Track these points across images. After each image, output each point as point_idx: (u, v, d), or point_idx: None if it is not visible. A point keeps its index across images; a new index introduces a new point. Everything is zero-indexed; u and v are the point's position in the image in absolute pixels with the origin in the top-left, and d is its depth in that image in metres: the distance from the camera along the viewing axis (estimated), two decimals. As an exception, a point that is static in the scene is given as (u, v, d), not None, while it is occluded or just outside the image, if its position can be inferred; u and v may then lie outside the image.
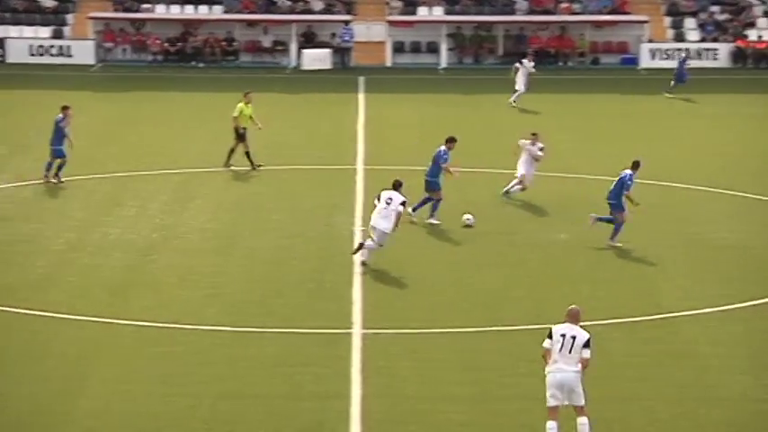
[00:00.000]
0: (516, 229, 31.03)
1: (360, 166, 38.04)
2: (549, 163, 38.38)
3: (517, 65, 51.20)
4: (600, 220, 29.54)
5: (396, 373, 21.37)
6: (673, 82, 52.51)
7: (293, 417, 19.51)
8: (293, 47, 63.15)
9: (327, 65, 61.67)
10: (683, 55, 55.33)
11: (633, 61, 62.96)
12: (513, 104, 49.66)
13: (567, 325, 18.19)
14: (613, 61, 63.79)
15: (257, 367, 21.69)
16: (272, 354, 22.37)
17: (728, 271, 27.55)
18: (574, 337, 18.00)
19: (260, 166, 37.31)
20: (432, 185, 31.33)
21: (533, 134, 33.86)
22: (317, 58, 61.74)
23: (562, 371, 17.90)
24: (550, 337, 18.13)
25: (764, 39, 63.15)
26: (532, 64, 51.40)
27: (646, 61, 62.53)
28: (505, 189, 33.61)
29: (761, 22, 64.42)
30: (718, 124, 46.04)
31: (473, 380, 21.10)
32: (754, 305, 24.92)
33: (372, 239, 27.36)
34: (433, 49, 64.06)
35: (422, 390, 20.66)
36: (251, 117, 37.55)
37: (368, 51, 63.19)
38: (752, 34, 63.61)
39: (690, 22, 64.65)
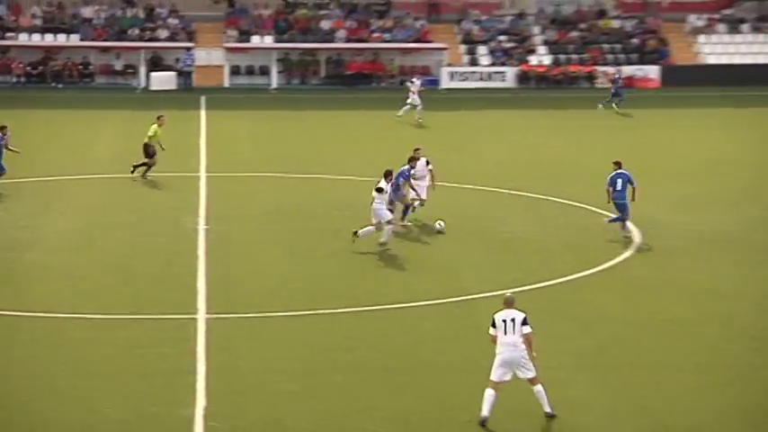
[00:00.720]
0: (340, 226, 30.98)
1: (203, 174, 37.68)
2: (370, 168, 38.54)
3: (408, 83, 51.28)
4: (613, 221, 29.55)
5: (236, 352, 21.19)
6: (609, 99, 53.14)
7: (145, 391, 19.18)
8: (142, 70, 62.42)
9: (173, 86, 61.13)
10: (617, 75, 55.26)
11: (435, 82, 63.42)
12: (400, 117, 49.42)
13: (505, 311, 18.11)
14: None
15: (112, 349, 21.27)
16: (124, 337, 21.98)
17: (517, 259, 27.88)
18: (513, 320, 17.95)
19: (134, 173, 36.83)
20: (398, 196, 30.43)
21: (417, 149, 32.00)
22: (163, 80, 61.25)
23: (510, 351, 17.83)
24: (494, 325, 18.05)
25: (544, 63, 64.34)
26: (419, 82, 51.27)
27: (445, 82, 63.13)
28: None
29: (540, 49, 65.64)
30: (507, 135, 46.57)
31: (303, 356, 21.00)
32: (538, 287, 25.24)
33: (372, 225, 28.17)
34: (264, 71, 63.80)
35: (259, 365, 20.50)
36: (156, 138, 37.14)
37: (208, 74, 62.74)
38: (533, 59, 64.78)
39: (482, 49, 65.49)
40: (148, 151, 36.90)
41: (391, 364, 20.60)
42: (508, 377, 17.90)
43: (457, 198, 34.26)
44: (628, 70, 63.08)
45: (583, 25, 67.11)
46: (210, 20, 65.80)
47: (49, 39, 63.43)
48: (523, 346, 17.88)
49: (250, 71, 64.15)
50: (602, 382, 19.71)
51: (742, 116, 52.34)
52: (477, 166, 38.48)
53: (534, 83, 63.34)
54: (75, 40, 63.41)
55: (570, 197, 33.78)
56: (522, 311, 18.13)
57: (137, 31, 64.05)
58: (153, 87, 60.86)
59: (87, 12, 64.87)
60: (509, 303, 18.27)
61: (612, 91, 53.34)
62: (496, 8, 68.49)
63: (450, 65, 64.06)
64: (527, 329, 18.01)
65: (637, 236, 29.43)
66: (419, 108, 49.07)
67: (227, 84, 62.37)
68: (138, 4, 66.16)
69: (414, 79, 51.51)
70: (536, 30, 67.07)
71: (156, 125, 37.49)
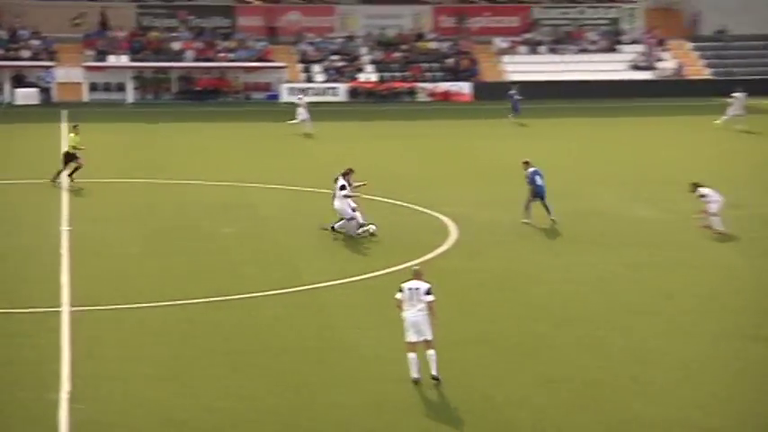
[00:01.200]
0: (196, 224, 30.69)
1: (65, 179, 36.73)
2: (218, 174, 38.26)
3: (296, 99, 50.97)
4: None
5: (99, 341, 20.76)
6: (511, 114, 53.28)
7: (13, 379, 18.70)
8: (7, 87, 60.86)
9: (36, 101, 59.84)
10: (512, 91, 54.92)
11: (276, 97, 63.36)
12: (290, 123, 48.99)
13: (412, 281, 18.71)
14: (261, 97, 64.04)
15: (-18, 341, 20.68)
16: (-7, 329, 21.39)
17: (349, 253, 27.98)
18: (418, 288, 18.54)
19: (57, 181, 36.06)
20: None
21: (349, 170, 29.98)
22: (26, 96, 59.98)
23: (413, 315, 18.41)
24: (401, 291, 18.63)
25: (371, 80, 64.76)
26: (306, 100, 50.69)
27: (285, 97, 63.00)
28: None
29: (368, 67, 66.08)
30: (339, 143, 46.72)
31: (161, 342, 20.72)
32: (369, 277, 25.39)
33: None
34: (121, 87, 62.79)
35: (120, 352, 20.13)
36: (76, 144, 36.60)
37: (69, 90, 61.52)
38: (362, 77, 65.17)
39: (317, 68, 65.61)
40: (71, 158, 36.29)
41: (241, 347, 20.47)
42: (415, 338, 18.40)
43: (294, 198, 34.26)
44: (443, 86, 64.09)
45: (404, 46, 67.79)
46: (70, 41, 64.36)
47: None
48: (425, 312, 18.47)
49: (107, 87, 63.08)
50: (420, 358, 19.93)
51: (542, 125, 53.53)
52: (313, 170, 38.40)
53: (363, 97, 63.72)
54: (-58, 59, 61.54)
55: (394, 197, 34.07)
56: (427, 282, 18.75)
57: (1, 51, 62.38)
58: (17, 102, 59.58)
59: (-46, 33, 63.02)
60: (417, 275, 18.90)
61: (511, 105, 53.78)
62: (328, 31, 68.68)
63: (288, 81, 63.97)
64: (430, 298, 18.58)
65: (453, 231, 29.83)
66: (308, 120, 48.69)
67: (86, 99, 61.13)
68: (3, 25, 64.40)
69: (300, 96, 51.20)
70: (364, 50, 67.49)
71: (72, 134, 37.10)
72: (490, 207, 32.94)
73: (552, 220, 30.20)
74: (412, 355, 18.40)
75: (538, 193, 30.27)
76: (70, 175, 36.34)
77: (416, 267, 19.50)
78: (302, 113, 49.09)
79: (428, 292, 18.64)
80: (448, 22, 69.92)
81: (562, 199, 34.21)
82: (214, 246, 28.49)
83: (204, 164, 41.09)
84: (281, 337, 21.08)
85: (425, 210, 32.00)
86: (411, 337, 18.44)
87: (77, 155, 36.55)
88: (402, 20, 69.51)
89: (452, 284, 24.76)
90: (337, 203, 28.87)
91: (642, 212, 32.70)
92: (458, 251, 28.07)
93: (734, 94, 50.96)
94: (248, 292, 23.98)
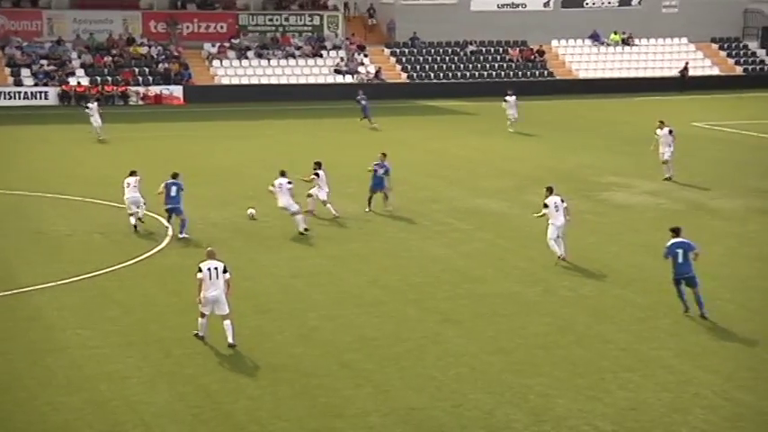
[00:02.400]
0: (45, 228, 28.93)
1: None
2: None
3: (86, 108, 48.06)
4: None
5: None
6: (365, 118, 51.91)
7: None
8: None
9: None
10: (360, 96, 53.25)
11: (-16, 101, 60.39)
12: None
13: (209, 261, 20.03)
14: (-33, 101, 60.85)
15: None
16: None
17: (66, 254, 27.16)
18: (216, 268, 19.88)
19: None
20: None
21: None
22: None
23: (213, 291, 19.75)
24: (200, 271, 19.88)
25: (82, 84, 62.86)
26: (97, 104, 48.44)
27: (-7, 101, 60.20)
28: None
29: (79, 72, 64.11)
30: (46, 146, 45.09)
31: None
32: (86, 278, 24.76)
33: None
34: None
35: None
36: None
37: None
38: (73, 80, 63.17)
39: (25, 72, 63.05)
40: None
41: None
42: (208, 310, 19.81)
43: (7, 202, 32.87)
44: (156, 90, 63.11)
45: (115, 51, 66.22)
46: None
47: None
48: (223, 288, 19.80)
49: None
50: (143, 355, 19.61)
51: (253, 127, 53.64)
52: (22, 173, 36.88)
53: (75, 101, 61.75)
54: None
55: (105, 198, 33.31)
56: (222, 261, 20.18)
57: None
58: None
59: None
60: (211, 255, 20.28)
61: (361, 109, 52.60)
62: (36, 35, 66.08)
63: (-2, 85, 61.13)
64: (227, 275, 19.95)
65: (170, 230, 29.46)
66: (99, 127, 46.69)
67: None
68: None
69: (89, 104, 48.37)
70: (74, 55, 65.41)
71: None
72: (206, 207, 32.72)
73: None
74: (202, 320, 19.99)
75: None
76: None
77: (210, 248, 20.74)
78: (97, 119, 46.91)
79: (225, 270, 19.98)
80: (159, 27, 68.84)
81: (268, 198, 34.54)
82: None
83: None
84: (-3, 342, 20.20)
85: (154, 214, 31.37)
86: (207, 310, 19.86)
87: None
88: (112, 25, 67.83)
89: (172, 282, 24.50)
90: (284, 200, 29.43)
91: (346, 208, 33.40)
92: (175, 249, 27.76)
93: (506, 98, 51.62)
94: (-40, 298, 22.80)
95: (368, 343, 20.45)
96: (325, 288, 24.38)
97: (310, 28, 72.27)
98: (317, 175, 31.22)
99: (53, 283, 24.18)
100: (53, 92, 61.85)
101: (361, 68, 69.77)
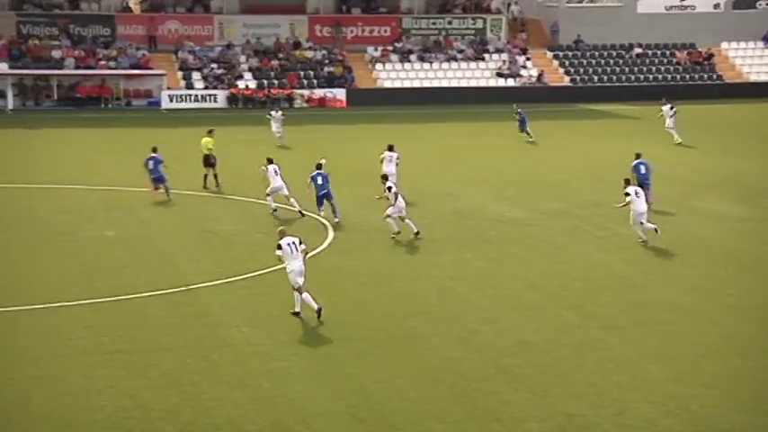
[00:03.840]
0: (77, 228, 30.10)
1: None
2: (98, 178, 37.65)
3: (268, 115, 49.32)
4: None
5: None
6: (523, 131, 49.77)
7: None
8: None
9: None
10: (517, 109, 50.49)
11: (157, 103, 62.57)
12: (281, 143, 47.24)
13: (286, 238, 21.68)
14: (142, 103, 63.11)
15: None
16: None
17: (232, 253, 27.81)
18: (294, 243, 21.60)
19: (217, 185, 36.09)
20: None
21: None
22: None
23: (297, 263, 21.44)
24: (280, 248, 21.50)
25: (250, 87, 64.43)
26: (281, 113, 49.22)
27: (166, 103, 62.33)
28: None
29: (247, 75, 65.70)
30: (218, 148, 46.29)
31: (45, 344, 20.26)
32: (251, 277, 25.29)
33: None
34: (1, 94, 61.20)
35: (5, 354, 19.61)
36: (210, 148, 36.35)
37: (-52, 97, 59.69)
38: (241, 84, 64.79)
39: (196, 75, 64.99)
40: (209, 161, 36.10)
41: (125, 347, 20.16)
42: (301, 280, 21.35)
43: (173, 201, 33.91)
44: (319, 92, 64.21)
45: (281, 55, 67.60)
46: (-50, 49, 62.49)
47: None
48: (302, 260, 21.45)
49: (-13, 94, 61.43)
50: (304, 354, 19.91)
51: (415, 129, 53.94)
52: (191, 173, 37.94)
53: (242, 104, 63.37)
54: None
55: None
56: (297, 235, 22.07)
57: None
58: None
59: None
60: (284, 233, 21.99)
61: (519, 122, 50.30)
62: (208, 40, 68.07)
63: (169, 88, 63.21)
64: (303, 247, 21.69)
65: (330, 231, 29.89)
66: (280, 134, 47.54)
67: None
68: None
69: (272, 112, 49.45)
70: (242, 58, 67.08)
71: (206, 137, 36.74)
72: (363, 208, 33.06)
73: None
74: (297, 295, 21.46)
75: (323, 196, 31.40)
76: (206, 181, 36.16)
77: (281, 228, 22.67)
78: (278, 127, 47.72)
79: (301, 242, 21.64)
80: (324, 31, 69.96)
81: (434, 201, 34.67)
82: (97, 248, 27.99)
83: (86, 169, 40.32)
84: (165, 336, 20.82)
85: (303, 211, 31.94)
86: (297, 281, 21.33)
87: (213, 157, 36.19)
88: (279, 29, 69.31)
89: (333, 282, 24.82)
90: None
91: (507, 211, 33.22)
92: (335, 250, 28.13)
93: (663, 107, 49.16)
94: (132, 293, 23.63)
95: (527, 348, 20.27)
96: (485, 291, 24.28)
97: (473, 31, 72.19)
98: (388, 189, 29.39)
99: (220, 281, 24.82)
100: (222, 95, 63.62)
101: (523, 71, 69.32)
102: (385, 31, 70.82)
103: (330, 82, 65.90)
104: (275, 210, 31.99)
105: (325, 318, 21.87)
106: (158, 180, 34.26)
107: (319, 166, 31.57)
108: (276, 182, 32.25)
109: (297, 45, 68.56)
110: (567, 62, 71.38)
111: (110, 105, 62.47)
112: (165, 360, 19.38)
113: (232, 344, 20.40)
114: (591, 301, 23.45)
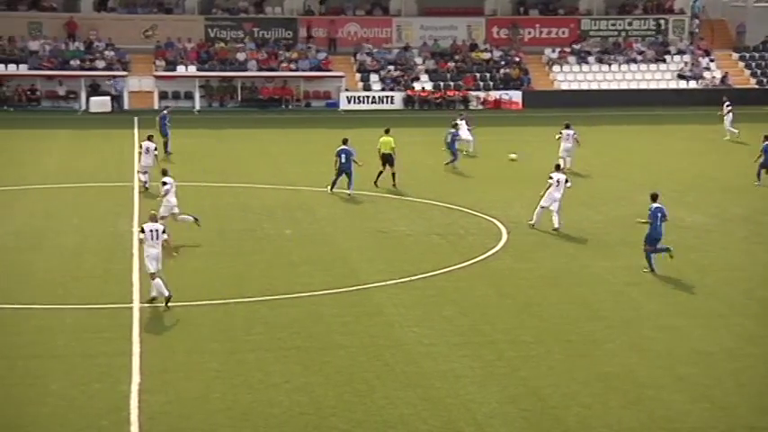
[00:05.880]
0: (259, 226, 30.86)
1: (136, 183, 37.08)
2: (279, 177, 38.47)
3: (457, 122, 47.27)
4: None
5: (167, 336, 20.98)
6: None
7: (89, 370, 18.89)
8: (83, 95, 61.57)
9: (108, 108, 60.45)
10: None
11: (335, 104, 63.55)
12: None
13: (150, 224, 22.81)
14: (321, 105, 64.21)
15: (59, 334, 20.94)
16: (71, 324, 21.64)
17: (406, 253, 27.96)
18: (156, 230, 22.59)
19: (394, 185, 36.41)
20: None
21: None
22: (100, 104, 60.56)
23: (153, 249, 22.49)
24: (142, 231, 22.63)
25: (426, 89, 64.74)
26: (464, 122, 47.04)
27: (344, 105, 63.24)
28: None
29: (423, 77, 66.02)
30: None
31: (225, 339, 20.85)
32: (424, 277, 25.38)
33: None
34: (189, 96, 63.28)
35: (187, 347, 20.28)
36: (393, 147, 36.80)
37: (140, 98, 62.03)
38: (417, 85, 65.15)
39: (374, 77, 65.70)
40: (390, 160, 36.69)
41: (301, 344, 20.54)
42: (155, 266, 22.40)
43: (349, 201, 34.37)
44: (495, 94, 63.96)
45: (458, 57, 67.66)
46: (143, 52, 65.00)
47: (0, 68, 62.28)
48: (160, 248, 22.45)
49: (176, 96, 63.49)
50: (476, 355, 19.86)
51: (591, 132, 53.07)
52: (364, 174, 38.34)
53: (418, 105, 63.73)
54: (24, 69, 62.44)
55: (446, 200, 34.05)
56: (162, 225, 23.23)
57: (78, 62, 63.24)
58: (92, 110, 60.23)
59: (34, 45, 63.94)
60: (152, 218, 23.10)
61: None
62: (386, 42, 68.73)
63: (347, 90, 64.12)
64: (165, 236, 22.59)
65: (504, 233, 29.73)
66: (472, 143, 45.37)
67: (156, 107, 61.55)
68: (80, 38, 65.24)
69: (458, 121, 47.03)
70: (419, 60, 67.45)
71: (384, 137, 37.22)
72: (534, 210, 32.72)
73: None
74: (155, 281, 22.35)
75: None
76: (393, 177, 36.60)
77: (152, 212, 23.91)
78: (467, 135, 44.84)
79: (164, 232, 22.61)
80: (501, 33, 69.67)
81: (609, 204, 34.06)
82: (276, 246, 28.62)
83: (266, 168, 41.31)
84: (339, 334, 21.10)
85: (477, 213, 31.87)
86: (152, 266, 22.36)
87: (393, 156, 36.63)
88: (456, 31, 69.37)
89: (506, 284, 24.68)
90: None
91: (688, 217, 32.33)
92: (509, 252, 27.96)
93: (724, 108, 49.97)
94: (307, 291, 24.06)
95: (704, 357, 19.65)
96: (661, 298, 23.69)
97: (654, 32, 70.58)
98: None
99: (393, 281, 24.99)
100: (399, 96, 64.11)
101: (706, 73, 67.34)
102: (563, 32, 69.97)
103: (506, 84, 65.57)
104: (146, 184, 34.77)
105: (497, 320, 21.71)
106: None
107: (345, 141, 34.06)
108: (146, 160, 35.36)
109: (473, 47, 68.50)
110: (753, 63, 68.92)
111: (290, 106, 63.81)
112: (338, 358, 19.65)
113: (404, 344, 20.51)
114: (775, 311, 22.56)
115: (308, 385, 18.25)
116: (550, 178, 29.88)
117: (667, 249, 25.70)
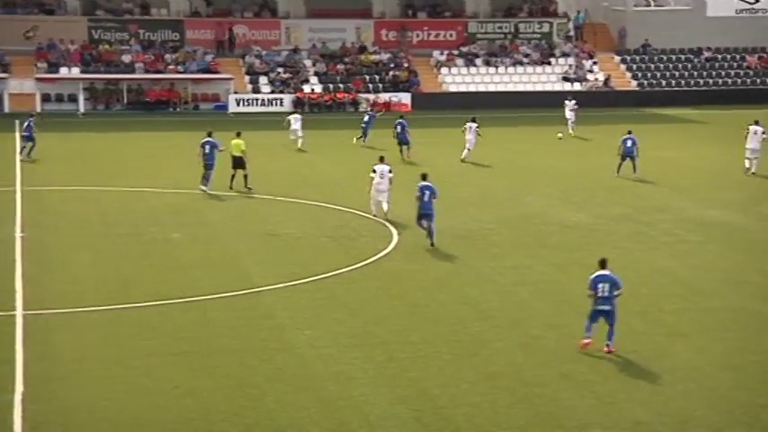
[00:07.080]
0: (144, 230, 30.42)
1: (18, 188, 36.31)
2: (166, 181, 38.02)
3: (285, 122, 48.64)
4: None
5: (52, 344, 20.51)
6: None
7: (-30, 381, 18.39)
8: (-41, 97, 60.11)
9: (-12, 112, 59.07)
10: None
11: (224, 107, 63.06)
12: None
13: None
14: (210, 107, 63.60)
15: (-61, 345, 20.34)
16: (-49, 334, 21.03)
17: (295, 256, 27.91)
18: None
19: (247, 187, 36.22)
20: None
21: None
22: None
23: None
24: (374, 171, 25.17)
25: (315, 91, 64.69)
26: (299, 117, 48.84)
27: (233, 107, 62.81)
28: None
29: (313, 79, 65.98)
30: (283, 153, 46.55)
31: (113, 345, 20.50)
32: (315, 280, 25.35)
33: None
34: (73, 98, 62.08)
35: (73, 354, 19.89)
36: (243, 149, 36.53)
37: (21, 101, 60.52)
38: (307, 88, 65.07)
39: (263, 79, 65.40)
40: (241, 163, 36.37)
41: (190, 348, 20.31)
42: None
43: (239, 204, 34.15)
44: (384, 96, 64.23)
45: (347, 59, 67.79)
46: (23, 53, 63.51)
47: None
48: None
49: (60, 98, 62.24)
50: (367, 357, 19.91)
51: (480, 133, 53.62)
52: (258, 177, 38.17)
53: (308, 108, 63.63)
54: None
55: (339, 203, 34.07)
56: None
57: (-45, 63, 61.67)
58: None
59: None
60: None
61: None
62: (274, 44, 68.48)
63: (236, 92, 63.70)
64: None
65: (395, 235, 29.88)
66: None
67: (38, 109, 60.18)
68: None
69: (289, 116, 48.80)
70: (308, 63, 67.39)
71: (235, 139, 37.04)
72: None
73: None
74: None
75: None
76: (245, 180, 36.29)
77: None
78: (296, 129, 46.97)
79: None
80: (389, 35, 70.04)
81: (497, 205, 34.52)
82: (163, 250, 28.26)
83: (153, 172, 40.79)
84: (229, 338, 20.94)
85: (368, 215, 31.96)
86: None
87: (244, 159, 36.38)
88: (345, 33, 69.51)
89: (397, 286, 24.79)
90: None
91: (573, 216, 32.95)
92: (399, 254, 28.10)
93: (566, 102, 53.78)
94: (197, 295, 23.82)
95: (590, 354, 20.05)
96: (548, 297, 24.10)
97: (539, 35, 71.78)
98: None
99: (283, 284, 24.91)
100: (288, 99, 63.94)
101: (589, 76, 68.76)
102: (451, 35, 70.70)
103: (395, 86, 65.94)
104: None
105: (388, 321, 21.82)
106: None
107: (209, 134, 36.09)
108: None
109: (362, 49, 68.73)
110: (634, 66, 70.66)
111: (178, 109, 63.09)
112: (229, 362, 19.49)
113: (296, 347, 20.46)
114: (656, 308, 23.17)
115: (197, 390, 18.06)
116: (374, 171, 30.81)
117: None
